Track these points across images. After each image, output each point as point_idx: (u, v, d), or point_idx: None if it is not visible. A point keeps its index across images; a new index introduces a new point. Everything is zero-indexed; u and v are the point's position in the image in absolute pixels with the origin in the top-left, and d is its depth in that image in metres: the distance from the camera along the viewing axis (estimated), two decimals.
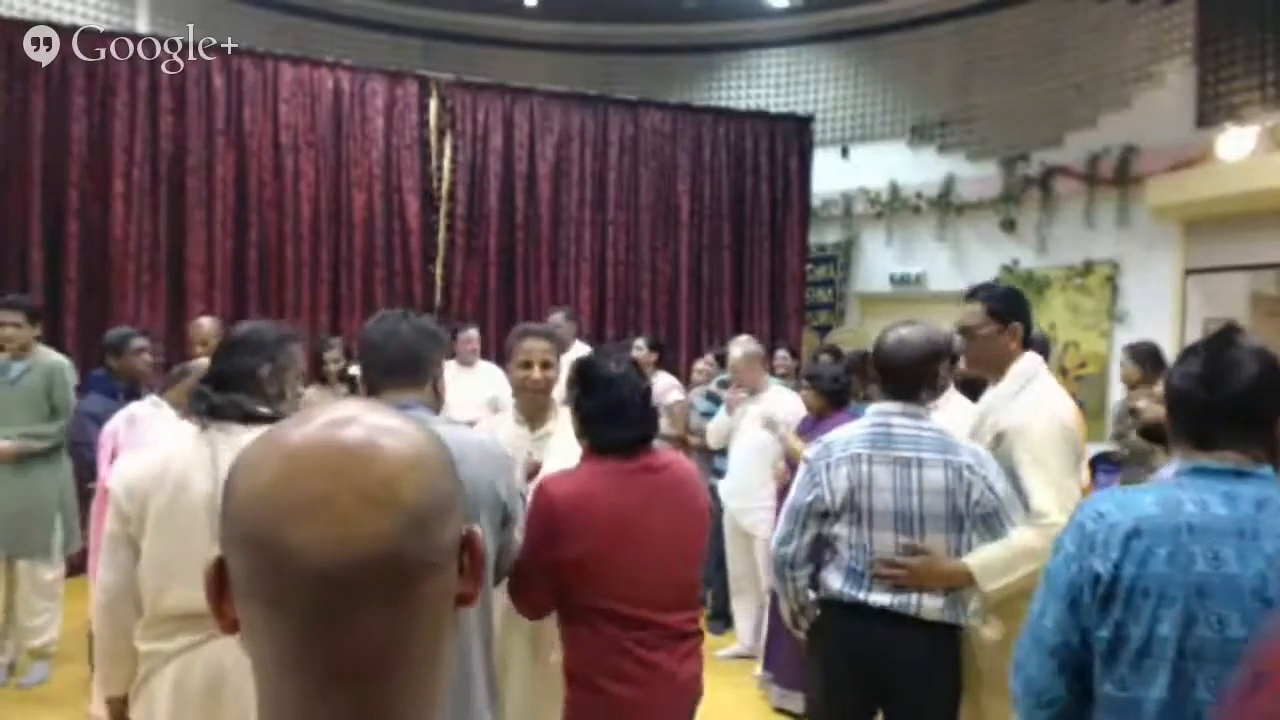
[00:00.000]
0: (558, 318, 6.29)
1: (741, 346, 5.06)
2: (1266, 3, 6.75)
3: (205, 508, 2.04)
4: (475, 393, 5.65)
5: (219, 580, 0.72)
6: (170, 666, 2.03)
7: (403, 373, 2.12)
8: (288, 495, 0.68)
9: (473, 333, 6.11)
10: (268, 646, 0.70)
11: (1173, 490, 1.54)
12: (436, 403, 2.19)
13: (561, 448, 2.70)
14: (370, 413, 0.73)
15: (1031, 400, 2.64)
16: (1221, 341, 1.59)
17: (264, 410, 2.16)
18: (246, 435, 2.08)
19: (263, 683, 0.72)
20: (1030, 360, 2.73)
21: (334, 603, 0.68)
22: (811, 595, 2.62)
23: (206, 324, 5.24)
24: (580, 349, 6.27)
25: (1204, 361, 1.58)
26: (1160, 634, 1.44)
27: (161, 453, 2.18)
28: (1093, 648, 1.50)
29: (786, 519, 2.61)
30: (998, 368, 2.74)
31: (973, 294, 2.80)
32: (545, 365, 2.80)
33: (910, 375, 2.56)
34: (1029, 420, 2.58)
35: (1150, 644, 1.45)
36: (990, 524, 2.47)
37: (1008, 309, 2.72)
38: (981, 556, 2.45)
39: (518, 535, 2.22)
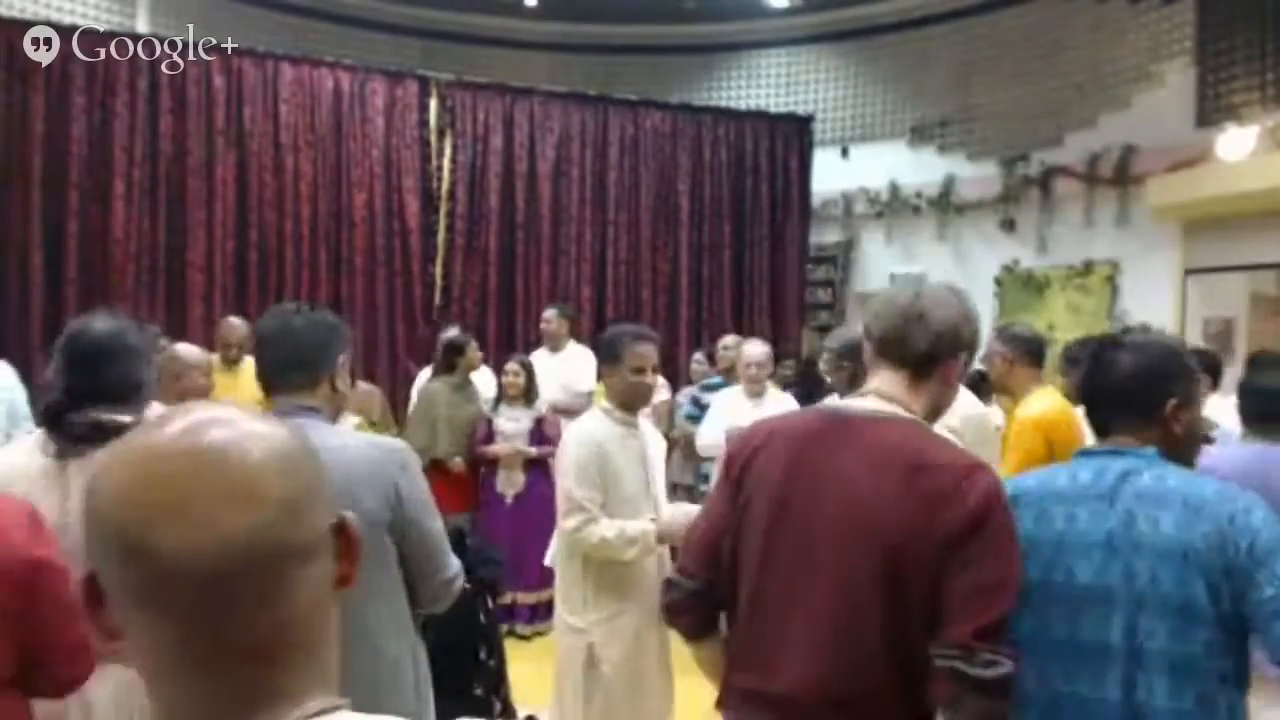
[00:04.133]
0: (550, 314, 6.29)
1: (760, 346, 5.01)
2: (1267, 3, 6.75)
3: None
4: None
5: (92, 593, 0.73)
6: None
7: (296, 372, 2.00)
8: (151, 500, 0.69)
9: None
10: (152, 649, 0.71)
11: (1057, 468, 1.84)
12: (337, 401, 2.07)
13: (651, 435, 3.13)
14: (226, 412, 0.75)
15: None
16: (1105, 344, 1.85)
17: (129, 421, 1.98)
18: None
19: (152, 684, 0.73)
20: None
21: (211, 599, 0.69)
22: None
23: (239, 324, 5.27)
24: (575, 349, 6.27)
25: (1087, 362, 1.86)
26: (1028, 581, 1.64)
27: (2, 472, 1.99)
28: None
29: None
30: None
31: None
32: (655, 370, 3.07)
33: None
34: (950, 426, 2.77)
35: (1022, 591, 1.63)
36: None
37: None
38: None
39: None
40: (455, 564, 2.11)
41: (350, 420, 4.42)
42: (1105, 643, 1.63)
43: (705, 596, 1.81)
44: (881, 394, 1.74)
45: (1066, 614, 1.67)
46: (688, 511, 2.96)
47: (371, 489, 1.91)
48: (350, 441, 2.01)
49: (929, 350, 1.72)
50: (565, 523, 2.90)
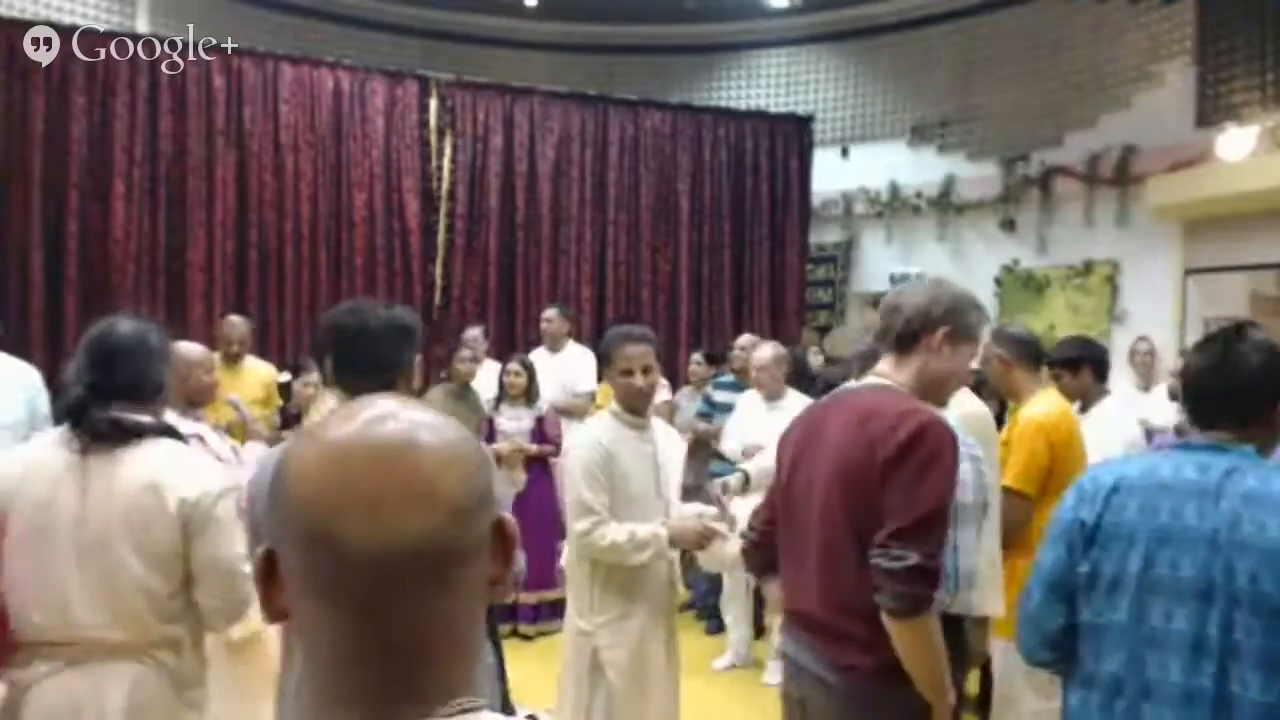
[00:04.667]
0: (551, 313, 6.28)
1: (768, 350, 4.93)
2: (1267, 3, 6.75)
3: (68, 537, 1.98)
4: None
5: (268, 571, 0.77)
6: (30, 695, 1.99)
7: (373, 375, 2.01)
8: (338, 493, 0.73)
9: (477, 331, 6.14)
10: (322, 635, 0.74)
11: (1157, 458, 1.85)
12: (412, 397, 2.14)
13: (665, 437, 3.15)
14: (405, 409, 0.78)
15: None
16: (1231, 337, 1.84)
17: (147, 421, 2.06)
18: (129, 456, 2.02)
19: (310, 667, 0.76)
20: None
21: (385, 592, 0.73)
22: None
23: (240, 322, 5.28)
24: (575, 349, 6.27)
25: (1208, 354, 1.85)
26: (1128, 570, 1.74)
27: (21, 463, 2.07)
28: (1077, 582, 1.81)
29: None
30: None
31: (877, 302, 2.99)
32: (646, 371, 2.96)
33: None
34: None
35: (1119, 578, 1.75)
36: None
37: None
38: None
39: None
40: (522, 556, 2.19)
41: None
42: (1202, 635, 1.67)
43: (762, 546, 2.38)
44: (877, 373, 2.18)
45: (1166, 605, 1.71)
46: (700, 513, 3.02)
47: None
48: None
49: (903, 330, 2.13)
50: (575, 526, 2.90)
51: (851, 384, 2.31)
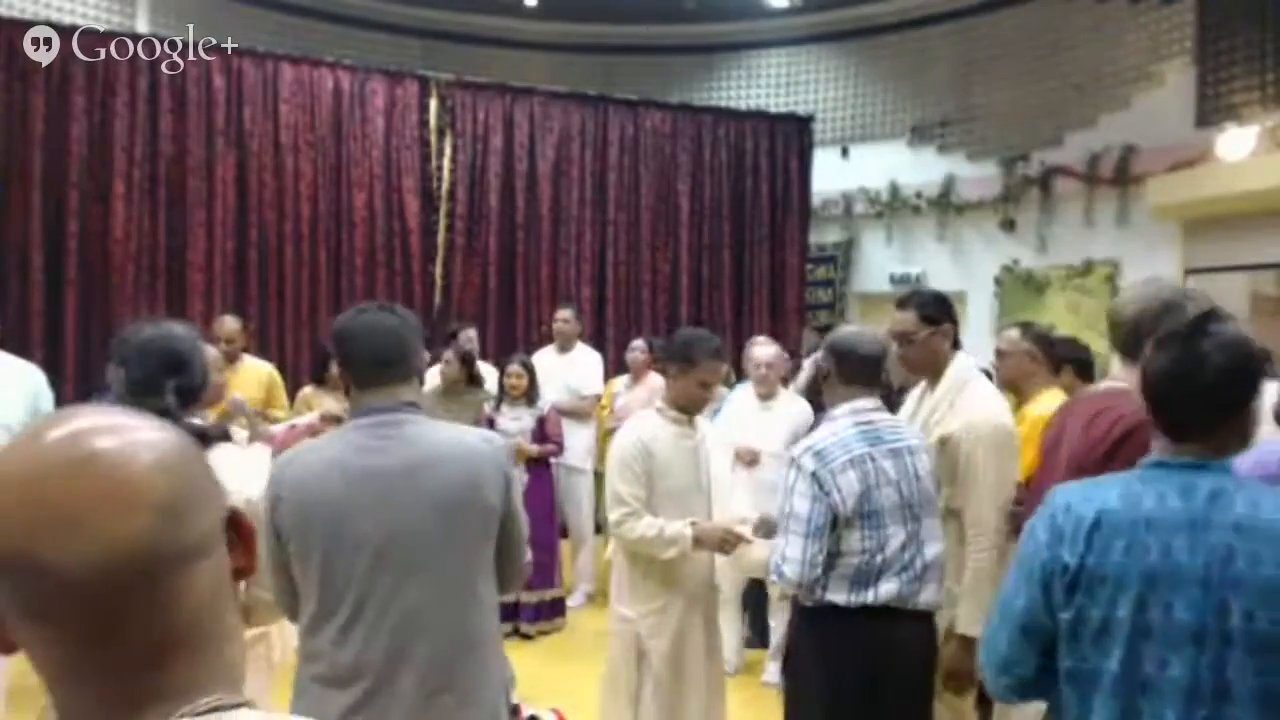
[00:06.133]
0: (567, 314, 6.24)
1: (768, 348, 4.89)
2: (1267, 3, 6.76)
3: None
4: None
5: None
6: None
7: (390, 369, 2.02)
8: (34, 512, 0.69)
9: (472, 332, 6.12)
10: (48, 658, 0.71)
11: (1134, 484, 1.66)
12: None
13: (710, 435, 3.27)
14: (105, 418, 0.74)
15: (971, 405, 2.81)
16: (1191, 333, 1.65)
17: (210, 425, 2.14)
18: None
19: (48, 688, 0.73)
20: (963, 361, 2.92)
21: (102, 607, 0.69)
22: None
23: (230, 322, 5.29)
24: (582, 350, 6.26)
25: (1174, 357, 1.65)
26: (1117, 616, 1.60)
27: None
28: (1058, 627, 1.66)
29: (808, 539, 2.48)
30: (935, 370, 2.91)
31: (904, 301, 2.99)
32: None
33: (879, 366, 2.72)
34: (972, 426, 2.75)
35: (1108, 624, 1.61)
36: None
37: (939, 312, 2.91)
38: (965, 616, 2.65)
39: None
40: (529, 550, 2.22)
41: (334, 408, 4.40)
42: (1194, 679, 1.57)
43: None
44: (1113, 377, 2.49)
45: (1160, 651, 1.59)
46: (740, 518, 3.14)
47: (491, 480, 2.02)
48: (469, 436, 2.10)
49: (1126, 339, 2.32)
50: (609, 516, 3.03)
51: (1098, 385, 2.69)
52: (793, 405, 4.86)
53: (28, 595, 0.69)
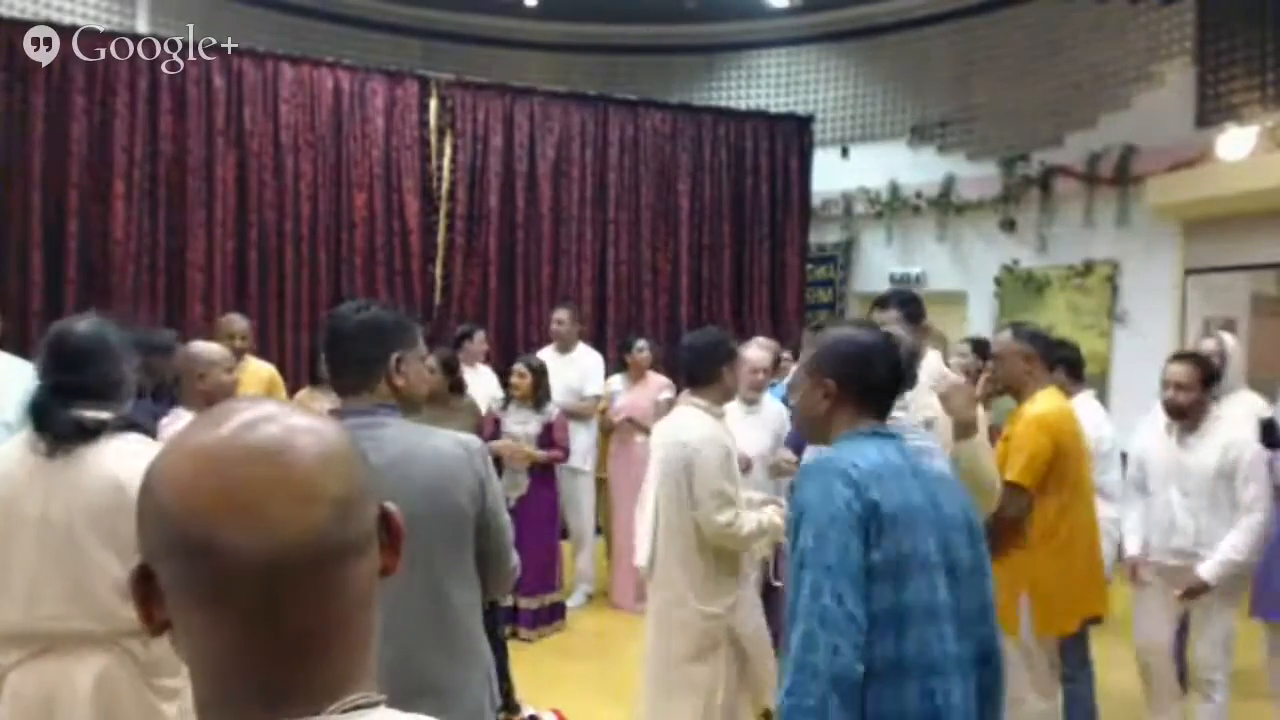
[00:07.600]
0: (563, 314, 6.24)
1: (762, 350, 4.86)
2: (1267, 3, 6.75)
3: (34, 535, 2.02)
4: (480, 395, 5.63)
5: (144, 586, 0.75)
6: (7, 680, 2.06)
7: (350, 375, 2.03)
8: (216, 501, 0.71)
9: (479, 334, 6.14)
10: (210, 641, 0.73)
11: (863, 442, 1.91)
12: (406, 393, 2.07)
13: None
14: (278, 410, 0.77)
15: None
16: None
17: (108, 417, 2.09)
18: (92, 454, 2.06)
19: (197, 675, 0.75)
20: (934, 355, 3.32)
21: (274, 595, 0.72)
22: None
23: (239, 320, 5.27)
24: (583, 350, 6.26)
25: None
26: (909, 551, 1.78)
27: None
28: (873, 569, 1.78)
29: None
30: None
31: (883, 301, 3.26)
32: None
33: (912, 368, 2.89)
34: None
35: (910, 559, 1.78)
36: None
37: (919, 311, 3.22)
38: None
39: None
40: (515, 554, 2.19)
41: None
42: (935, 601, 1.80)
43: None
44: None
45: (922, 582, 1.79)
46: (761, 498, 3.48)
47: (462, 484, 2.01)
48: (439, 439, 2.07)
49: None
50: (718, 518, 3.13)
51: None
52: (773, 407, 4.83)
53: (200, 576, 0.71)
